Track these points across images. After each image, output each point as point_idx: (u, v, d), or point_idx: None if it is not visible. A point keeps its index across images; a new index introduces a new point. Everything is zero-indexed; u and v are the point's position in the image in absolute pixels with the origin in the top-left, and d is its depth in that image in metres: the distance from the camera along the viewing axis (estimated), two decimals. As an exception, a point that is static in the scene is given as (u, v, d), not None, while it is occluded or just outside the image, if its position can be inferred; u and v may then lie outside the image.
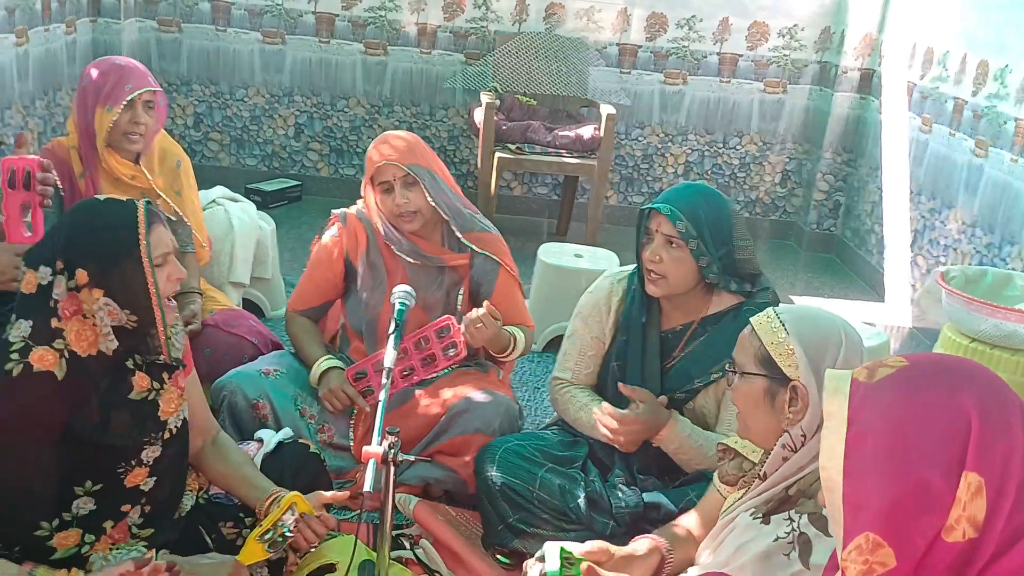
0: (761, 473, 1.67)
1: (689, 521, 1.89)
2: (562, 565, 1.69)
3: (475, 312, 2.42)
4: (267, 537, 1.87)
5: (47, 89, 4.41)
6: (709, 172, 5.52)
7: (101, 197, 1.84)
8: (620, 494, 2.23)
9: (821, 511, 1.54)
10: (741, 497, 1.72)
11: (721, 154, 5.50)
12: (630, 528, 2.21)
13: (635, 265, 2.31)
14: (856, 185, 5.26)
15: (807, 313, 1.71)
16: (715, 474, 1.84)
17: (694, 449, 2.16)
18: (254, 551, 1.87)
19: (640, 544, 1.79)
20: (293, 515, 1.90)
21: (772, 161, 5.52)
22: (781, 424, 1.64)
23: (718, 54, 5.31)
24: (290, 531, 1.89)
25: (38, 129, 4.31)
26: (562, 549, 1.71)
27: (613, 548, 1.75)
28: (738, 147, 5.49)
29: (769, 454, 1.66)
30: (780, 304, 2.05)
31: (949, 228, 4.18)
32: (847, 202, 5.36)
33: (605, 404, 2.27)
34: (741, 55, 5.32)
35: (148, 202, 1.79)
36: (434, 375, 2.58)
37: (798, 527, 1.56)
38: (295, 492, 1.96)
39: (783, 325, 1.64)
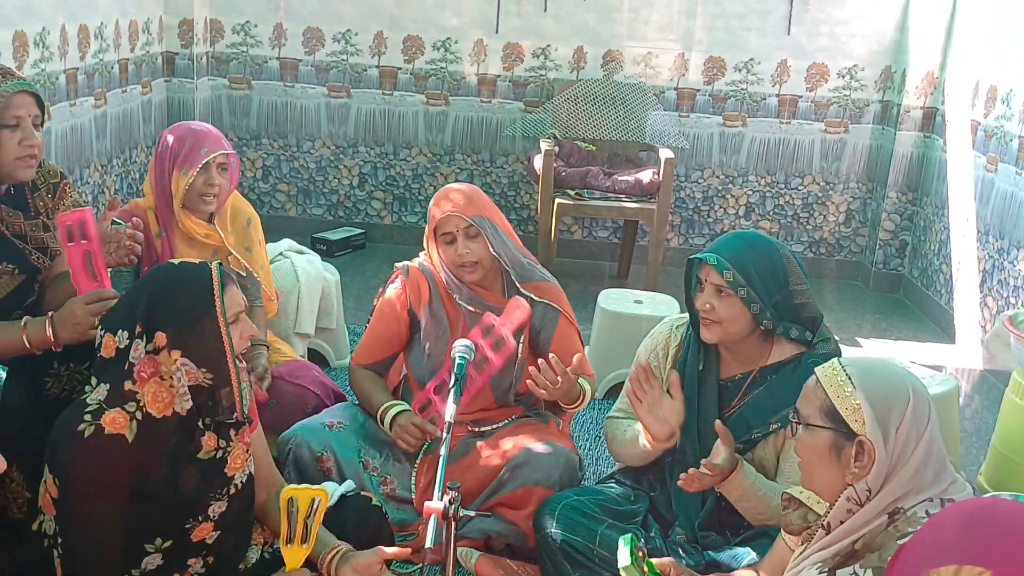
0: (825, 524, 1.66)
1: (757, 571, 1.88)
2: (632, 557, 1.71)
3: (550, 365, 2.38)
4: (293, 537, 1.89)
5: (124, 148, 4.60)
6: (771, 213, 5.49)
7: (176, 261, 1.91)
8: (681, 551, 2.21)
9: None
10: (805, 549, 1.70)
11: (783, 194, 5.47)
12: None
13: None
14: (922, 224, 5.18)
15: (873, 366, 1.69)
16: (781, 526, 1.83)
17: (757, 497, 2.14)
18: (293, 554, 1.89)
19: None
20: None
21: (835, 201, 5.47)
22: (846, 478, 1.63)
23: (777, 96, 5.31)
24: (310, 514, 1.89)
25: (115, 186, 4.49)
26: (631, 540, 1.73)
27: (682, 566, 1.76)
28: (800, 187, 5.46)
29: (833, 506, 1.65)
30: (843, 355, 2.03)
31: (1019, 268, 4.09)
32: (914, 241, 5.28)
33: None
34: (800, 96, 5.30)
35: (220, 264, 1.86)
36: (494, 421, 2.58)
37: (863, 583, 1.54)
38: (288, 485, 1.99)
39: (849, 379, 1.62)
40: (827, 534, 1.65)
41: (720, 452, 2.10)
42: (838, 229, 5.53)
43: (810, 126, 5.35)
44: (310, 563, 2.02)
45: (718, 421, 2.13)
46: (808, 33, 5.21)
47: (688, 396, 2.28)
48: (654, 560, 1.76)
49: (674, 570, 1.75)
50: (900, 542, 1.53)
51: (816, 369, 1.69)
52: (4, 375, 1.53)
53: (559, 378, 2.37)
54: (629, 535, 1.77)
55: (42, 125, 2.22)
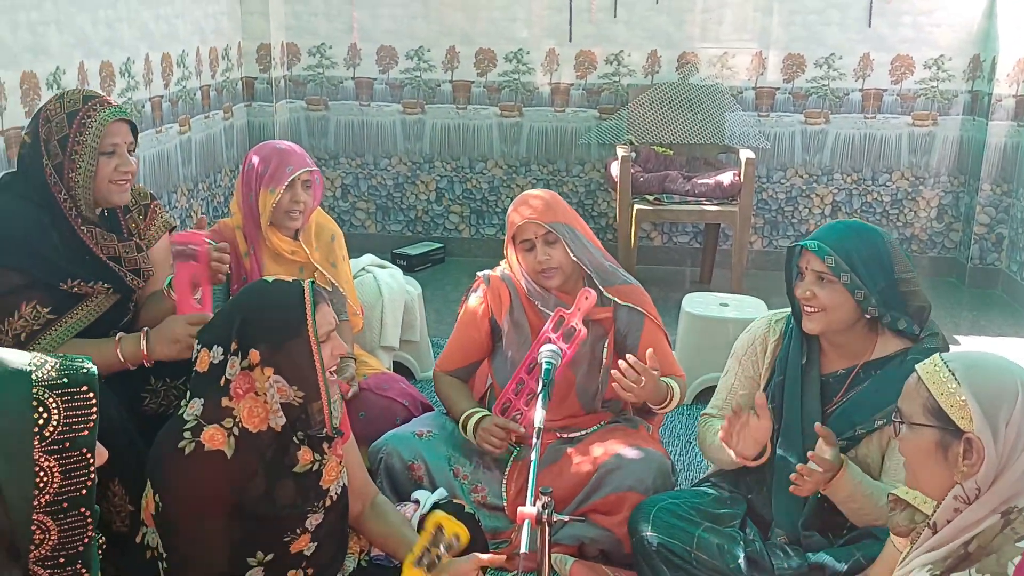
0: (931, 523, 1.58)
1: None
2: None
3: (631, 365, 2.34)
4: (423, 562, 1.89)
5: (208, 172, 4.72)
6: (858, 211, 5.35)
7: (269, 279, 1.93)
8: (782, 554, 2.15)
9: (1006, 572, 1.44)
10: (912, 550, 1.63)
11: (870, 191, 5.32)
12: (794, 589, 2.13)
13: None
14: (1020, 216, 4.98)
15: (978, 361, 1.60)
16: (888, 527, 1.75)
17: (864, 498, 2.05)
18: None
19: None
20: (443, 535, 1.91)
21: (926, 196, 5.30)
22: (954, 477, 1.55)
23: (861, 90, 5.17)
24: (446, 548, 1.90)
25: (201, 210, 4.61)
26: None
27: None
28: (888, 184, 5.30)
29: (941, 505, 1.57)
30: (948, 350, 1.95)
31: None
32: (1011, 234, 5.08)
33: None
34: (885, 90, 5.16)
35: (312, 282, 1.87)
36: (583, 428, 2.54)
37: (980, 588, 1.46)
38: (440, 512, 1.98)
39: (953, 375, 1.55)
40: (934, 534, 1.58)
41: (824, 451, 2.02)
42: (930, 225, 5.35)
43: (896, 120, 5.20)
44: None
45: (818, 424, 2.05)
46: (890, 24, 5.07)
47: (791, 390, 2.22)
48: None
49: None
50: (1019, 544, 1.46)
51: (917, 366, 1.61)
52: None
53: (642, 377, 2.33)
54: None
55: (134, 151, 2.29)
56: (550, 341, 2.42)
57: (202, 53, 4.56)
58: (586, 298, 2.49)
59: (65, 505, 1.23)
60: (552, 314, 2.50)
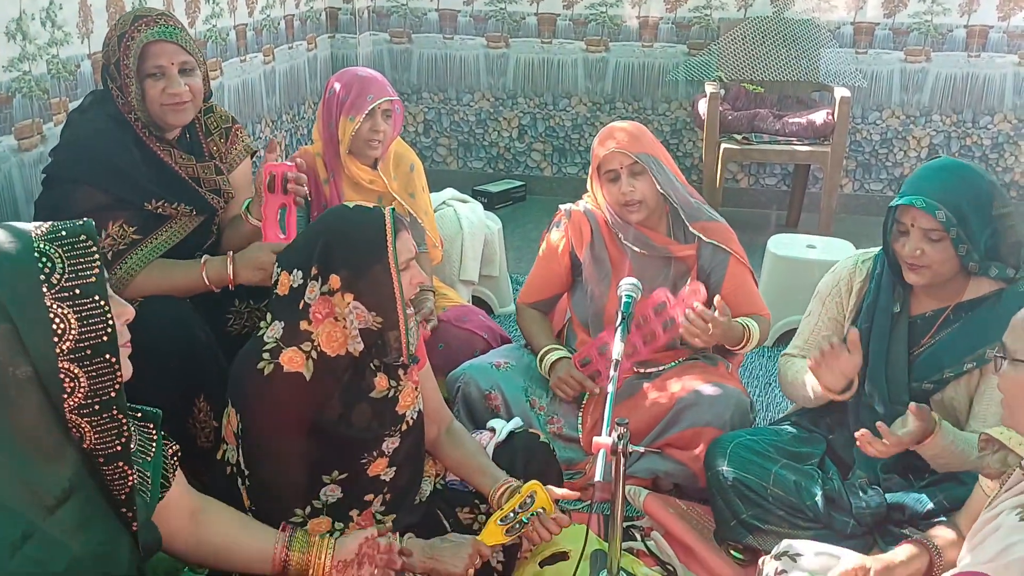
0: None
1: (956, 523, 1.76)
2: None
3: (698, 314, 2.31)
4: (507, 521, 1.91)
5: (292, 103, 4.74)
6: (956, 154, 5.12)
7: (350, 204, 1.92)
8: (861, 494, 2.10)
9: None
10: (1002, 491, 1.57)
11: (970, 134, 5.09)
12: (873, 528, 2.08)
13: (880, 248, 2.18)
14: None
15: None
16: (978, 469, 1.69)
17: (954, 455, 1.98)
18: (494, 533, 1.92)
19: (901, 550, 1.73)
20: (532, 503, 1.93)
21: (1029, 140, 5.05)
22: None
23: (965, 27, 4.92)
24: (527, 519, 1.92)
25: (284, 141, 4.64)
26: None
27: (868, 561, 1.69)
28: (989, 126, 5.06)
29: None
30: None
31: None
32: (1121, 180, 4.83)
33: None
34: (992, 27, 4.89)
35: (393, 209, 1.86)
36: (660, 364, 2.53)
37: (1071, 532, 1.41)
38: (535, 481, 1.99)
39: None
40: (1025, 477, 1.52)
41: (907, 424, 1.93)
42: (1032, 170, 5.11)
43: (1002, 59, 4.93)
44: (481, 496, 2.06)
45: (914, 404, 1.93)
46: (1000, -44, 4.80)
47: (879, 334, 2.15)
48: (840, 567, 1.68)
49: (862, 572, 1.66)
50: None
51: None
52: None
53: (709, 325, 2.29)
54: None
55: (198, 70, 2.23)
56: (646, 319, 2.43)
57: (286, -19, 4.56)
58: (695, 293, 2.41)
59: (89, 352, 1.27)
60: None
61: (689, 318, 2.32)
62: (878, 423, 1.94)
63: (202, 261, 2.23)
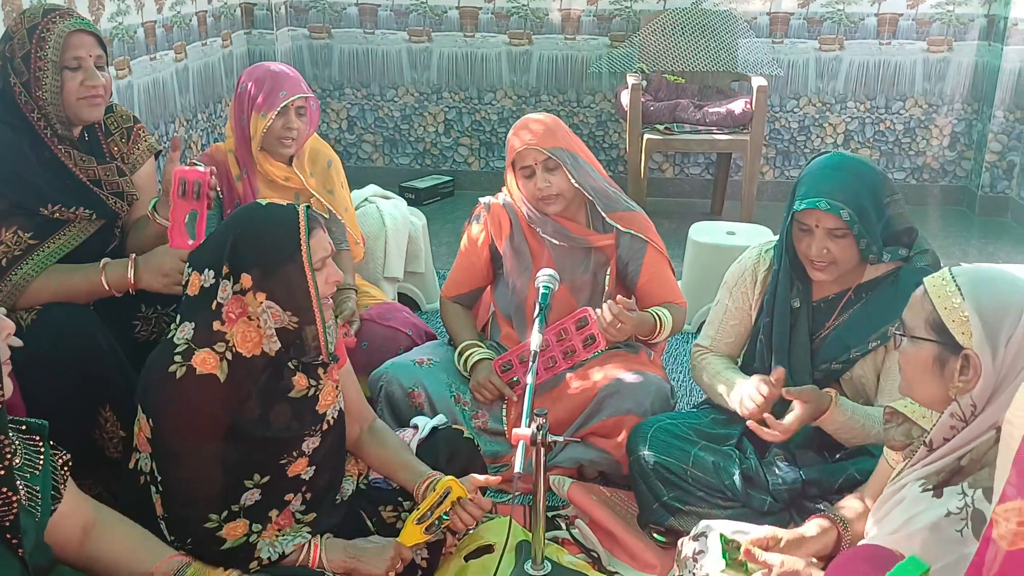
0: (927, 441, 1.57)
1: (863, 495, 1.82)
2: (725, 551, 1.67)
3: (607, 313, 2.36)
4: (425, 520, 1.91)
5: (207, 101, 4.65)
6: (871, 140, 5.26)
7: (263, 202, 1.88)
8: (777, 471, 2.16)
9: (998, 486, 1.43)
10: (906, 465, 1.62)
11: (884, 120, 5.23)
12: (790, 504, 2.14)
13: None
14: (1034, 143, 4.89)
15: (987, 276, 1.57)
16: (883, 442, 1.75)
17: (855, 429, 2.05)
18: (413, 533, 1.92)
19: (811, 525, 1.76)
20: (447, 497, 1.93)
21: (939, 124, 5.20)
22: (949, 393, 1.53)
23: (876, 15, 5.05)
24: (446, 515, 1.92)
25: (201, 140, 4.55)
26: (722, 537, 1.68)
27: (781, 532, 1.72)
28: (901, 111, 5.20)
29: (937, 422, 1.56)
30: (944, 266, 1.91)
31: None
32: (1022, 162, 4.99)
33: (759, 393, 2.10)
34: (901, 14, 5.03)
35: (308, 207, 1.83)
36: (580, 363, 2.56)
37: (972, 502, 1.46)
38: (451, 476, 1.99)
39: (959, 289, 1.52)
40: (930, 452, 1.57)
41: (794, 408, 2.01)
42: (942, 153, 5.27)
43: (911, 46, 5.08)
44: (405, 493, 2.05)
45: (787, 389, 2.00)
46: (907, -55, 4.93)
47: (780, 325, 2.20)
48: (752, 533, 1.71)
49: (772, 543, 1.69)
50: (1013, 457, 1.44)
51: (925, 279, 1.58)
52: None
53: (618, 321, 2.33)
54: (720, 534, 1.72)
55: (106, 67, 2.21)
56: (568, 334, 2.46)
57: (197, -25, 4.47)
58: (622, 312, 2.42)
59: None
60: (578, 311, 2.48)
61: (600, 326, 2.36)
62: (765, 414, 2.01)
63: (101, 265, 2.16)
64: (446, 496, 1.93)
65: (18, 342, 1.39)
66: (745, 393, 2.09)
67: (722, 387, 2.24)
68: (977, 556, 1.07)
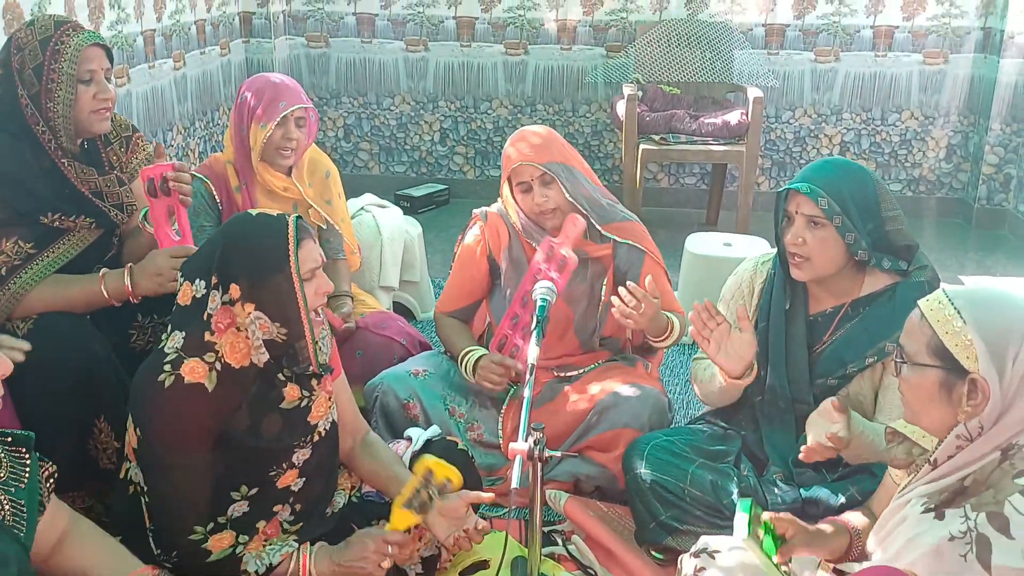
0: (932, 459, 1.56)
1: (871, 509, 1.81)
2: (750, 522, 1.67)
3: (631, 296, 2.30)
4: (412, 504, 1.87)
5: (205, 109, 4.64)
6: (867, 151, 5.26)
7: (254, 212, 1.87)
8: (776, 489, 2.14)
9: (1002, 509, 1.42)
10: (910, 483, 1.61)
11: (879, 131, 5.24)
12: (789, 524, 2.12)
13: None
14: (1030, 156, 4.91)
15: (985, 297, 1.54)
16: (886, 460, 1.74)
17: (866, 446, 2.00)
18: (403, 517, 1.88)
19: (826, 524, 1.76)
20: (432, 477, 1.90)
21: (935, 136, 5.21)
22: (957, 417, 1.51)
23: (872, 27, 5.06)
24: (435, 494, 1.88)
25: (198, 148, 4.54)
26: (749, 506, 1.69)
27: (802, 523, 1.71)
28: (897, 123, 5.21)
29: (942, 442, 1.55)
30: (942, 284, 1.90)
31: None
32: (1019, 175, 5.00)
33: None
34: (897, 27, 5.04)
35: (298, 217, 1.81)
36: (580, 367, 2.53)
37: (975, 526, 1.43)
38: (431, 457, 1.96)
39: (958, 313, 1.48)
40: (933, 469, 1.55)
41: (833, 419, 1.90)
42: (938, 165, 5.27)
43: (907, 58, 5.09)
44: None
45: (835, 399, 1.91)
46: (904, -42, 4.94)
47: (776, 334, 2.19)
48: (770, 517, 1.71)
49: (791, 528, 1.68)
50: (1018, 480, 1.43)
51: (920, 303, 1.56)
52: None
53: (642, 303, 2.29)
54: (748, 500, 1.71)
55: (111, 79, 2.22)
56: (540, 272, 2.38)
57: (196, -16, 4.46)
58: (574, 224, 2.44)
59: None
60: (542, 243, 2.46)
61: (621, 296, 2.30)
62: (812, 442, 1.90)
63: (100, 274, 2.16)
64: (430, 477, 1.89)
65: (20, 357, 1.36)
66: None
67: (710, 372, 2.21)
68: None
